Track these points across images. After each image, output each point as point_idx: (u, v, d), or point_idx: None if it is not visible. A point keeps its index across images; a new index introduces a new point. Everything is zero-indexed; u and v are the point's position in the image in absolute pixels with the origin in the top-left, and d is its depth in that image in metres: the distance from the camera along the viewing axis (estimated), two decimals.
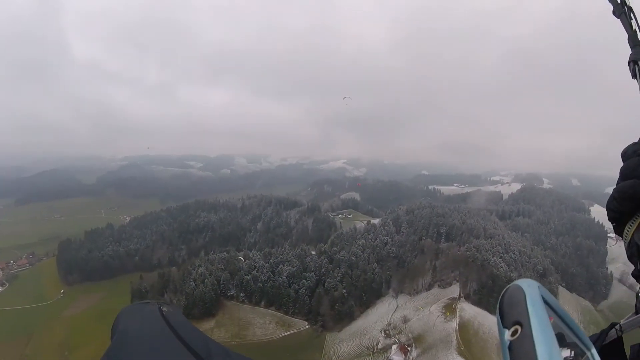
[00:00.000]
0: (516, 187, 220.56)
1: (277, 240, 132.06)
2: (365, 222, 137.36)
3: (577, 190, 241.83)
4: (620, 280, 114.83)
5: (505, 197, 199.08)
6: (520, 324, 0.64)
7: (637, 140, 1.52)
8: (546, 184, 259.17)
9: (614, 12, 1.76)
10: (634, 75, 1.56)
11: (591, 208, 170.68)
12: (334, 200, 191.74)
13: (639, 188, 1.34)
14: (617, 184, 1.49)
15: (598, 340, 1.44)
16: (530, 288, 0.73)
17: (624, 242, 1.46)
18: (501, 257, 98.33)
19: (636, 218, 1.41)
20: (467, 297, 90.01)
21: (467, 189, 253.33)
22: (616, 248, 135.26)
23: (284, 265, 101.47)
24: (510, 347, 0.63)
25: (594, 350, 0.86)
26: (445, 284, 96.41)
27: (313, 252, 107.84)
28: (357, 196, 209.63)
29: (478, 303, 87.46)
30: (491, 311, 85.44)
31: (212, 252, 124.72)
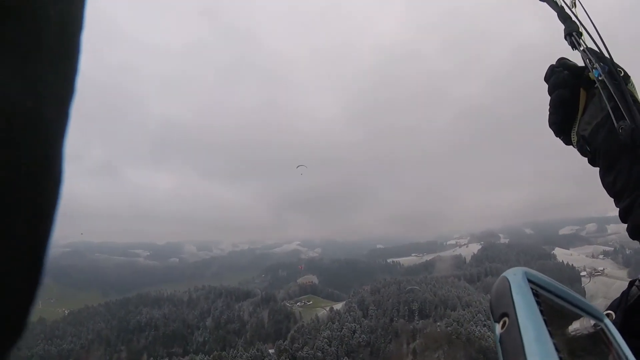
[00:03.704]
0: (475, 247, 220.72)
1: (229, 339, 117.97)
2: (327, 308, 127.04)
3: (532, 239, 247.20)
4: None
5: (467, 259, 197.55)
6: (507, 315, 0.61)
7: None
8: (502, 239, 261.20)
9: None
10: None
11: (554, 252, 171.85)
12: (290, 287, 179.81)
13: (563, 94, 1.42)
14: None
15: (621, 303, 1.36)
16: (515, 276, 0.68)
17: (575, 146, 1.49)
18: (485, 326, 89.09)
19: (576, 120, 1.47)
20: None
21: (426, 257, 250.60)
22: (592, 285, 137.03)
23: None
24: (500, 340, 0.60)
25: (607, 321, 0.82)
26: None
27: (271, 351, 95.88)
28: (314, 279, 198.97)
29: None
30: None
31: (155, 354, 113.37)
